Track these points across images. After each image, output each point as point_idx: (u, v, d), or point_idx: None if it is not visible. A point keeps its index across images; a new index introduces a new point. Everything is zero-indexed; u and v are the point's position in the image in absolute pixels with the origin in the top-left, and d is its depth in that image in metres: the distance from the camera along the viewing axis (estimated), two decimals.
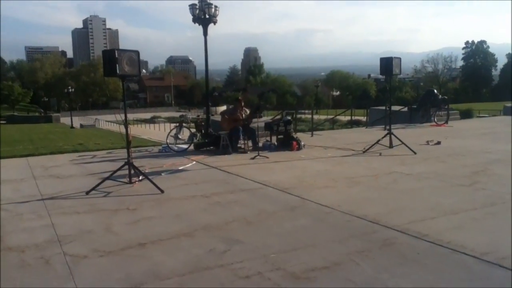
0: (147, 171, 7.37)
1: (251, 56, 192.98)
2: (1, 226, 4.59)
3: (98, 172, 7.37)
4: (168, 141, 10.20)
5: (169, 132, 10.59)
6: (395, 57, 9.13)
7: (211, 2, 11.01)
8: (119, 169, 6.31)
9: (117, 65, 5.96)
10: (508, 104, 20.55)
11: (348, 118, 25.46)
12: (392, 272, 3.31)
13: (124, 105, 6.58)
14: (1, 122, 48.15)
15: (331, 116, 25.48)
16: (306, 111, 36.45)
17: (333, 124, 23.65)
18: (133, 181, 6.42)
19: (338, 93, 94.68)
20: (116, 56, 5.97)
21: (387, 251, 3.73)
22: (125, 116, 6.39)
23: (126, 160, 6.34)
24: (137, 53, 6.23)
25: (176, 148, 9.90)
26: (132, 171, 6.40)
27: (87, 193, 5.89)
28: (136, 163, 7.58)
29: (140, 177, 6.49)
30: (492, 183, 6.08)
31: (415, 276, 3.23)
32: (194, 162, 8.36)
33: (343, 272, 3.32)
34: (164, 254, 3.78)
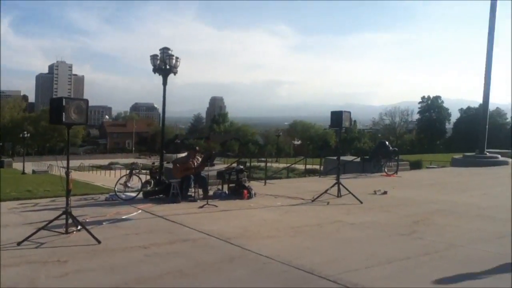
0: (88, 220, 7.12)
1: (216, 105, 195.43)
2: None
3: (36, 222, 7.02)
4: (116, 188, 9.95)
5: (118, 180, 10.37)
6: (345, 111, 9.50)
7: (172, 53, 11.16)
8: (56, 218, 6.07)
9: (63, 113, 5.92)
10: (456, 156, 21.49)
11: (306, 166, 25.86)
12: None
13: (67, 152, 6.46)
14: None
15: (289, 164, 25.78)
16: (269, 159, 36.79)
17: (290, 173, 23.88)
18: (70, 231, 6.16)
19: (299, 142, 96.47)
20: (64, 104, 5.94)
21: None
22: (67, 163, 6.25)
23: (64, 209, 6.12)
24: (86, 101, 6.25)
25: (123, 196, 9.65)
26: (70, 221, 6.17)
27: (19, 244, 5.58)
28: (79, 211, 7.37)
29: (79, 227, 6.25)
30: (429, 232, 6.25)
31: None
32: (140, 211, 8.16)
33: None
34: None
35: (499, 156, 20.02)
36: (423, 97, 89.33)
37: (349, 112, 9.77)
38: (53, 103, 6.13)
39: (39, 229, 5.90)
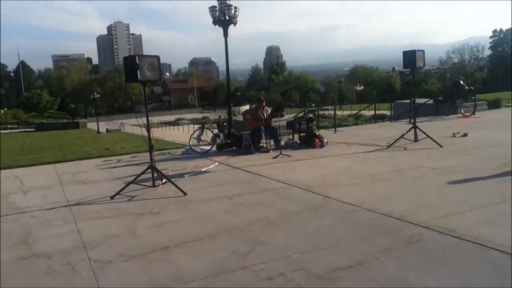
0: (170, 173, 7.44)
1: (273, 55, 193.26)
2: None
3: (123, 177, 7.48)
4: (190, 143, 10.28)
5: (192, 134, 10.68)
6: (418, 50, 8.93)
7: (230, 3, 11.00)
8: (143, 173, 6.39)
9: (138, 71, 6.02)
10: None
11: (372, 112, 25.11)
12: (418, 270, 3.22)
13: (145, 109, 6.61)
14: (31, 129, 49.68)
15: (355, 112, 25.17)
16: (329, 107, 36.11)
17: (357, 120, 23.33)
18: (156, 184, 6.48)
19: (362, 88, 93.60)
20: (137, 62, 6.02)
21: (413, 248, 3.64)
22: (147, 120, 6.45)
23: (149, 164, 6.40)
24: (157, 58, 6.29)
25: (199, 149, 9.97)
26: (155, 175, 6.46)
27: (112, 197, 5.98)
28: (160, 166, 7.66)
29: (164, 180, 6.56)
30: None
31: (442, 273, 3.14)
32: (217, 163, 8.40)
33: (368, 272, 3.26)
34: (188, 257, 3.79)
35: None
36: (494, 31, 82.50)
37: (423, 51, 9.16)
38: (127, 61, 6.21)
39: (128, 183, 6.25)
